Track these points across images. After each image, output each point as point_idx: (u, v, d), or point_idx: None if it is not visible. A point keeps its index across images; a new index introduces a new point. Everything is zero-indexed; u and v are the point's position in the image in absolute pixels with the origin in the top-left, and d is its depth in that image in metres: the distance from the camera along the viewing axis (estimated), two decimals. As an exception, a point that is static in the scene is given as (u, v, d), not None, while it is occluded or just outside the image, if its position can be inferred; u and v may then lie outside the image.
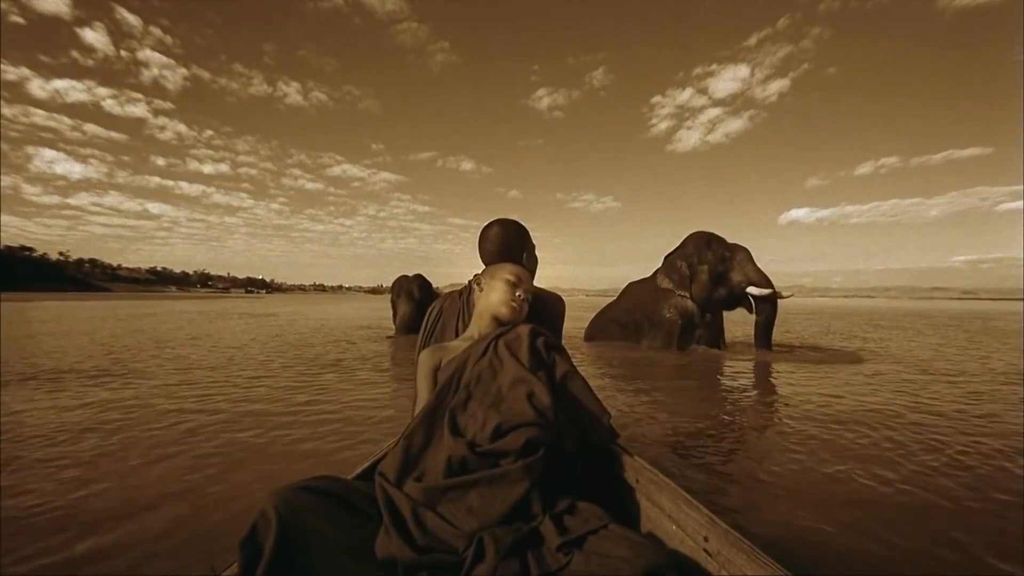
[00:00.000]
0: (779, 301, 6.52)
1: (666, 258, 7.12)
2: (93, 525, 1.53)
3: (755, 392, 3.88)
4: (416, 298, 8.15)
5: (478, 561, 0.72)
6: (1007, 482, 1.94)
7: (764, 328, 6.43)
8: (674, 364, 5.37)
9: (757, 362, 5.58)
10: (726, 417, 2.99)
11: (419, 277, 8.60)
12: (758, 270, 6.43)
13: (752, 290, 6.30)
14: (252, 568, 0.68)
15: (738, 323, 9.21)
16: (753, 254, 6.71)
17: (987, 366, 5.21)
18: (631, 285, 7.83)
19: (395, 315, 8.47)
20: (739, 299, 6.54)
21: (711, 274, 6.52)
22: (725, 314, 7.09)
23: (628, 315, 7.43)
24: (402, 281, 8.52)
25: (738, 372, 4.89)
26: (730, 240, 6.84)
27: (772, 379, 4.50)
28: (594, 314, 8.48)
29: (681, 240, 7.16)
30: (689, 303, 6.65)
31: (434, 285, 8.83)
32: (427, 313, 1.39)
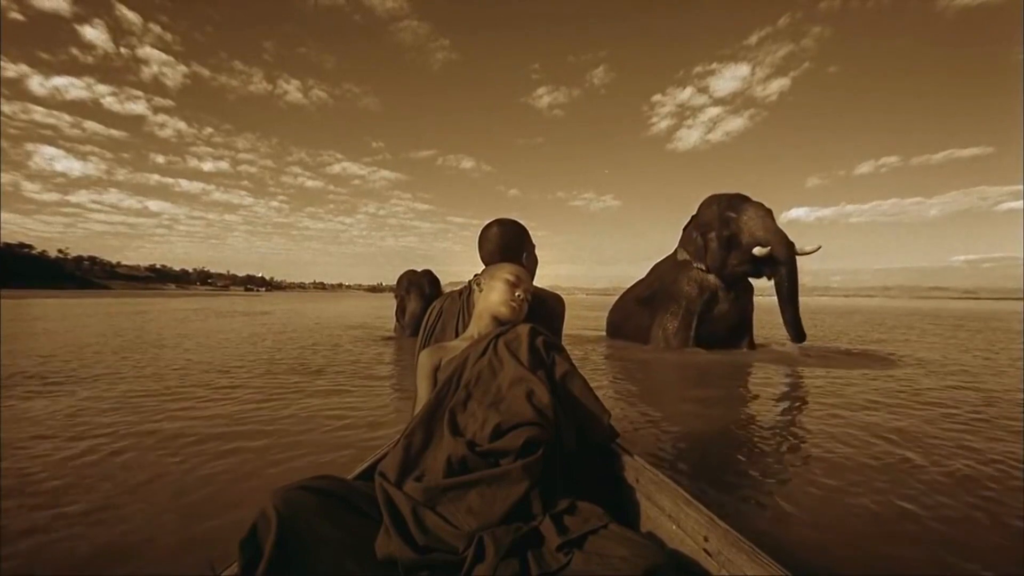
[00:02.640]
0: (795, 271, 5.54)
1: (684, 228, 6.51)
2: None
3: (770, 400, 3.52)
4: (426, 294, 7.67)
5: (478, 561, 0.72)
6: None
7: (784, 297, 5.54)
8: (683, 366, 5.00)
9: (773, 362, 5.12)
10: (735, 426, 2.81)
11: (428, 272, 8.04)
12: (767, 227, 5.56)
13: (755, 251, 5.54)
14: (252, 568, 0.68)
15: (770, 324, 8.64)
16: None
17: (999, 368, 5.03)
18: (656, 264, 7.27)
19: (402, 312, 7.89)
20: (758, 265, 5.70)
21: (719, 240, 5.81)
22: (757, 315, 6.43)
23: (648, 289, 6.88)
24: (411, 276, 7.91)
25: (750, 374, 4.51)
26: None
27: (790, 386, 3.99)
28: (595, 313, 8.35)
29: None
30: (710, 276, 6.01)
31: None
32: (427, 313, 1.39)
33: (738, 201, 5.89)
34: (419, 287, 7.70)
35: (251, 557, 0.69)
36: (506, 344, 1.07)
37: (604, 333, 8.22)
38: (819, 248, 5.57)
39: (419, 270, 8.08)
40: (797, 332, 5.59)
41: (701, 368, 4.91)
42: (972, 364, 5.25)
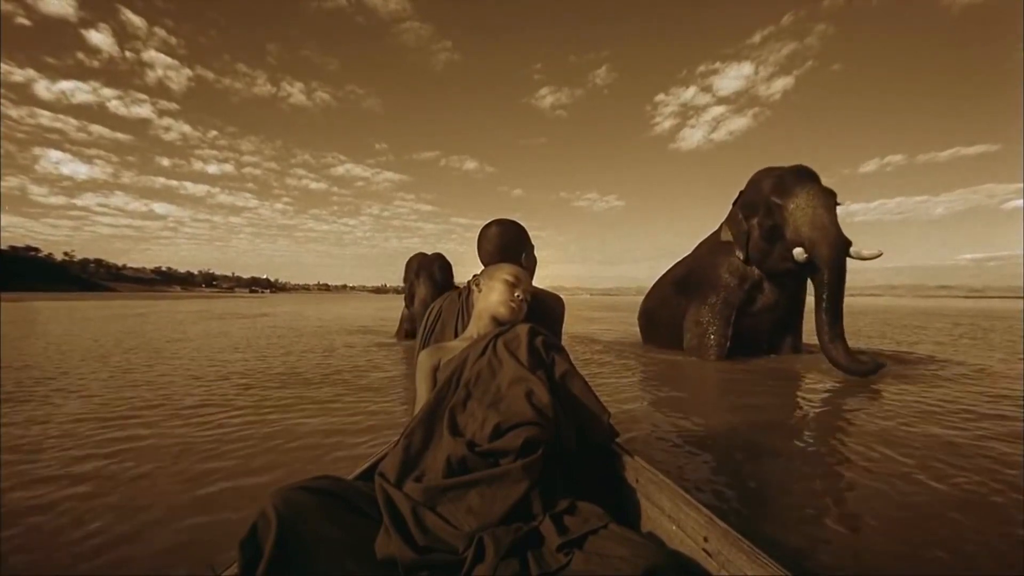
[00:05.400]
0: (833, 274, 4.40)
1: (734, 203, 5.45)
2: None
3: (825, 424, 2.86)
4: (437, 279, 6.90)
5: (478, 561, 0.72)
6: None
7: (819, 309, 4.41)
8: (714, 374, 4.40)
9: (822, 371, 4.36)
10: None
11: (439, 256, 7.19)
12: (816, 221, 4.46)
13: (795, 252, 4.55)
14: (252, 568, 0.69)
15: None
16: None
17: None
18: (701, 242, 6.27)
19: (411, 299, 7.06)
20: (802, 266, 4.65)
21: (761, 229, 4.83)
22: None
23: (685, 269, 6.01)
24: (421, 260, 7.06)
25: (795, 388, 3.86)
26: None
27: (845, 405, 3.24)
28: (599, 314, 7.95)
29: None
30: (753, 269, 5.13)
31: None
32: (426, 313, 1.40)
33: (791, 182, 4.71)
34: (429, 272, 6.93)
35: (251, 557, 0.69)
36: (505, 344, 1.07)
37: (612, 337, 7.75)
38: (880, 254, 4.49)
39: (430, 253, 7.25)
40: (841, 357, 4.22)
41: (734, 379, 4.22)
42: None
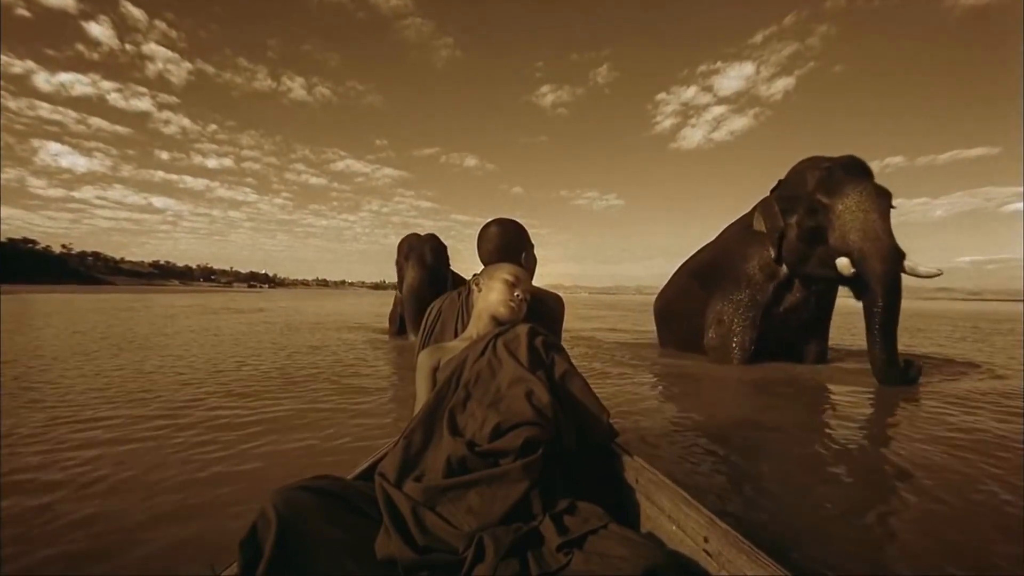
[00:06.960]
0: (891, 289, 3.82)
1: (772, 189, 4.85)
2: None
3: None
4: (428, 262, 6.55)
5: (478, 561, 0.72)
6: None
7: (872, 331, 3.88)
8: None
9: (852, 383, 3.92)
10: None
11: (432, 237, 6.84)
12: (867, 229, 3.87)
13: (838, 263, 4.01)
14: (252, 568, 0.69)
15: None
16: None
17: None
18: (727, 227, 5.65)
19: (400, 283, 6.71)
20: (846, 279, 4.14)
21: (800, 230, 4.26)
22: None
23: (709, 257, 5.46)
24: (412, 241, 6.75)
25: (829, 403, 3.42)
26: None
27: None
28: (598, 312, 7.74)
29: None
30: (781, 267, 4.59)
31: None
32: (426, 313, 1.40)
33: (840, 178, 4.09)
34: (419, 253, 6.56)
35: (251, 557, 0.70)
36: (505, 344, 1.07)
37: (616, 338, 7.55)
38: (940, 273, 3.97)
39: (423, 234, 6.93)
40: (888, 373, 3.85)
41: (754, 386, 3.90)
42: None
